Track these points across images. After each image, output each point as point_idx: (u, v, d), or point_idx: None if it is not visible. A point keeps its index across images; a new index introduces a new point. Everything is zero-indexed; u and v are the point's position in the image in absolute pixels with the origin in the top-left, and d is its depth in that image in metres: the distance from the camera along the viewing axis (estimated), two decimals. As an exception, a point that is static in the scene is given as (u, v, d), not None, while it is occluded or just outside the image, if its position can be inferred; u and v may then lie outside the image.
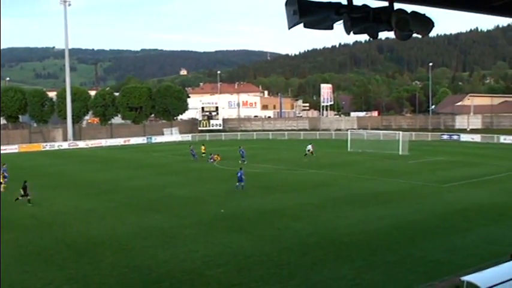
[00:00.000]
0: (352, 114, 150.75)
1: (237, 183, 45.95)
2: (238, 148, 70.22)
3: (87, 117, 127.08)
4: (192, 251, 27.53)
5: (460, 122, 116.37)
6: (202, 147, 71.88)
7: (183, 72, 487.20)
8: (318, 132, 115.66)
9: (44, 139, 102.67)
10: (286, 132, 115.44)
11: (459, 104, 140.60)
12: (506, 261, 19.21)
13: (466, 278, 16.92)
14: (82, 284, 22.78)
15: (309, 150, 72.86)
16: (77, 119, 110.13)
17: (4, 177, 50.01)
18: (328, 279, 23.22)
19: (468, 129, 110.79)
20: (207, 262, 25.63)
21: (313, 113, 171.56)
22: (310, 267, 24.85)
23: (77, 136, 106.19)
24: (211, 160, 66.35)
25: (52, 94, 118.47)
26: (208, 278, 23.42)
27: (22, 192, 40.99)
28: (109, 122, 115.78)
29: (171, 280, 23.22)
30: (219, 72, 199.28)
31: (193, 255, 26.81)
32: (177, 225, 33.27)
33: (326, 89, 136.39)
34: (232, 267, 24.94)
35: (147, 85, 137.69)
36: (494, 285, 13.78)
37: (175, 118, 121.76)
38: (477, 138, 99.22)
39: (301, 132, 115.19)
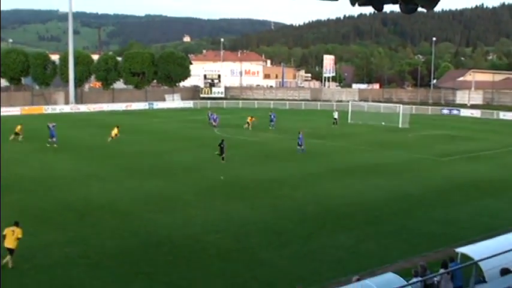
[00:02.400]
0: (354, 86, 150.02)
1: (298, 147, 48.39)
2: (268, 113, 72.53)
3: (89, 82, 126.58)
4: (191, 216, 27.73)
5: (461, 97, 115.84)
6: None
7: (187, 39, 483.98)
8: (319, 102, 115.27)
9: (46, 102, 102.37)
10: (287, 102, 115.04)
11: (461, 79, 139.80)
12: (500, 235, 19.34)
13: (460, 249, 17.05)
14: (82, 247, 23.01)
15: (335, 119, 73.90)
16: (79, 82, 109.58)
17: (52, 136, 51.48)
18: (325, 247, 23.44)
19: (468, 105, 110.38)
20: (205, 228, 25.84)
21: (315, 84, 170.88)
22: (308, 235, 25.06)
23: (79, 100, 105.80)
24: (246, 126, 66.83)
25: (55, 57, 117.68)
26: (206, 244, 23.63)
27: (219, 151, 43.64)
28: (111, 86, 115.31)
29: (170, 245, 23.43)
30: (222, 40, 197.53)
31: (193, 221, 27.01)
32: (177, 191, 33.44)
33: (329, 60, 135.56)
34: (231, 233, 25.16)
35: (150, 51, 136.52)
36: (488, 257, 13.88)
37: (177, 85, 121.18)
38: (477, 113, 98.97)
39: (303, 103, 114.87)
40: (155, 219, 27.28)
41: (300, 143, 48.81)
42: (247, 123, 67.79)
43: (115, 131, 55.24)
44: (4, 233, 20.93)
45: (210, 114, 72.00)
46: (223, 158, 43.03)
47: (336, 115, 75.47)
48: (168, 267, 20.90)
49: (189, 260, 21.68)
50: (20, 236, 20.88)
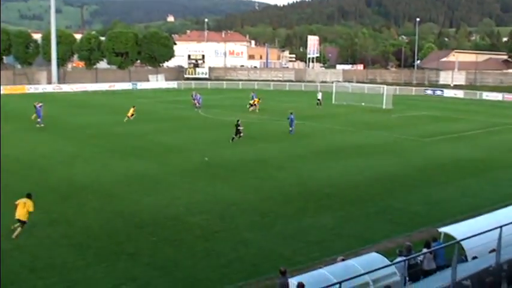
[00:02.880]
0: (338, 66, 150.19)
1: (290, 128, 48.52)
2: (250, 94, 72.32)
3: (72, 61, 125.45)
4: (176, 197, 27.67)
5: (444, 77, 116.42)
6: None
7: (170, 18, 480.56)
8: (303, 83, 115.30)
9: (28, 81, 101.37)
10: (271, 83, 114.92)
11: (444, 59, 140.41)
12: (482, 215, 19.50)
13: (443, 229, 17.18)
14: (65, 228, 22.88)
15: (319, 100, 73.96)
16: (61, 62, 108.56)
17: (39, 116, 51.25)
18: (309, 227, 23.50)
19: (452, 85, 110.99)
20: (190, 209, 25.80)
21: (299, 65, 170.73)
22: (292, 216, 25.12)
23: (62, 79, 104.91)
24: (252, 107, 66.16)
25: (37, 36, 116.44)
26: (191, 225, 23.60)
27: (235, 134, 43.64)
28: (94, 66, 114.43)
29: (154, 226, 23.38)
30: (206, 20, 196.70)
31: (177, 201, 26.95)
32: (161, 172, 33.33)
33: (313, 41, 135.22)
34: (215, 214, 25.14)
35: (133, 30, 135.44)
36: (470, 237, 13.99)
37: (161, 65, 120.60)
38: (460, 94, 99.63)
39: (287, 83, 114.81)
40: (139, 200, 27.19)
41: (291, 124, 48.80)
42: (254, 105, 66.48)
43: (131, 111, 56.02)
44: (16, 202, 21.52)
45: (194, 95, 71.66)
46: (233, 139, 43.49)
47: (319, 96, 75.56)
48: (152, 248, 20.85)
49: (173, 241, 21.64)
50: (30, 209, 21.39)
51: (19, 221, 21.21)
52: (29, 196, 21.75)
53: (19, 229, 21.17)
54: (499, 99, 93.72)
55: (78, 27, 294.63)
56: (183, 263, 19.67)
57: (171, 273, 18.82)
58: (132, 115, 55.44)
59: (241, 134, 43.71)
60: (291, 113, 49.56)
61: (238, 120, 44.63)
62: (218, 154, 39.12)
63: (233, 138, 43.43)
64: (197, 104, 68.33)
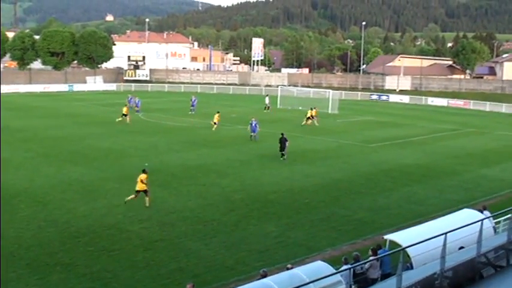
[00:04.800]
0: (283, 70, 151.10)
1: (252, 134, 47.93)
2: (190, 98, 71.04)
3: (4, 61, 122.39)
4: (114, 205, 27.29)
5: (390, 82, 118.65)
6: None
7: (109, 18, 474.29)
8: (247, 87, 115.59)
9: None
10: (215, 86, 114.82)
11: (390, 64, 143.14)
12: (427, 221, 19.91)
13: (389, 236, 17.45)
14: (-5, 237, 22.24)
15: (267, 104, 74.19)
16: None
17: None
18: (253, 236, 23.54)
19: (397, 90, 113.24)
20: (128, 217, 25.50)
21: (244, 68, 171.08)
22: (235, 224, 25.11)
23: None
24: (310, 120, 60.16)
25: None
26: (129, 234, 23.31)
27: (282, 150, 40.37)
28: (28, 66, 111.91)
29: (90, 235, 22.99)
30: (147, 20, 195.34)
31: (115, 209, 26.59)
32: (98, 179, 32.84)
33: (257, 44, 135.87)
34: (155, 222, 24.92)
35: (70, 29, 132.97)
36: (416, 244, 14.26)
37: (99, 66, 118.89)
38: (406, 99, 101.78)
39: (231, 87, 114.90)
40: (75, 208, 26.70)
41: (253, 130, 48.45)
42: (311, 118, 60.59)
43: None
44: (137, 180, 27.26)
45: (129, 99, 70.79)
46: (282, 154, 39.97)
47: (267, 100, 75.74)
48: (89, 259, 20.50)
49: (111, 251, 21.33)
50: (142, 178, 27.19)
51: (142, 191, 27.14)
52: (143, 171, 27.70)
53: (147, 198, 27.17)
54: (443, 104, 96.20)
55: (10, 25, 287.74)
56: (122, 274, 19.40)
57: (108, 284, 18.55)
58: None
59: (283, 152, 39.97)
60: (253, 119, 49.34)
61: (283, 134, 40.91)
62: (158, 159, 38.80)
63: (283, 154, 39.89)
64: (135, 108, 67.53)
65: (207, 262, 20.66)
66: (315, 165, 38.62)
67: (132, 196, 26.99)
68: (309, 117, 59.98)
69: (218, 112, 55.80)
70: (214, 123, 54.02)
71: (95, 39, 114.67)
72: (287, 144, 39.63)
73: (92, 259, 20.50)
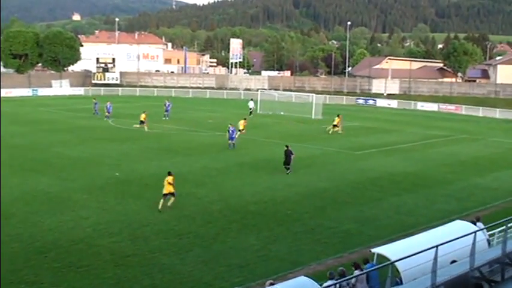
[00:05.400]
0: (263, 73, 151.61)
1: (229, 141, 47.82)
2: (164, 102, 70.89)
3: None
4: (82, 218, 27.15)
5: (377, 86, 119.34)
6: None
7: (76, 17, 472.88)
8: (225, 91, 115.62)
9: None
10: (190, 90, 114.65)
11: (377, 67, 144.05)
12: (417, 233, 20.07)
13: (377, 250, 17.54)
14: (-47, 253, 22.02)
15: (251, 109, 74.34)
16: None
17: None
18: (232, 249, 23.54)
19: (385, 94, 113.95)
20: (98, 230, 25.38)
21: (221, 70, 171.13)
22: (213, 237, 25.09)
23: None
24: (336, 128, 59.96)
25: None
26: (99, 248, 23.20)
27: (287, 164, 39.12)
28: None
29: (57, 250, 22.85)
30: (117, 19, 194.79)
31: (83, 222, 26.45)
32: (66, 189, 32.65)
33: (236, 44, 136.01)
34: (127, 236, 24.82)
35: (34, 30, 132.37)
36: (405, 257, 14.34)
37: (65, 69, 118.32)
38: (394, 104, 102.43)
39: (207, 91, 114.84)
40: (40, 221, 26.50)
41: (230, 137, 48.30)
42: (337, 125, 60.51)
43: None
44: (164, 183, 28.96)
45: (95, 104, 70.42)
46: (287, 168, 38.72)
47: (251, 105, 75.81)
48: (56, 276, 20.37)
49: (79, 267, 21.21)
50: (170, 181, 28.92)
51: (170, 194, 28.96)
52: (169, 173, 29.36)
53: (172, 199, 28.98)
54: (434, 109, 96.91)
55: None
56: (91, 291, 19.30)
57: (76, 303, 18.42)
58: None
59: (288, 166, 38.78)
60: (230, 125, 49.24)
61: (287, 146, 39.89)
62: (130, 168, 38.68)
63: (287, 168, 38.68)
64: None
65: (182, 278, 20.63)
66: (298, 174, 38.69)
67: (162, 201, 28.57)
68: (335, 125, 60.19)
69: (245, 119, 55.58)
70: (240, 130, 53.00)
71: (61, 40, 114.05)
72: (292, 157, 38.84)
73: (58, 276, 20.37)
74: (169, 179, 29.02)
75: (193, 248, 23.60)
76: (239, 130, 52.62)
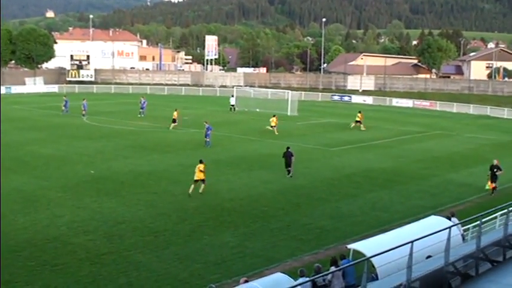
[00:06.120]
0: (239, 69, 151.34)
1: (207, 140, 47.69)
2: (139, 99, 70.94)
3: None
4: (57, 216, 26.96)
5: (352, 82, 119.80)
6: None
7: (50, 14, 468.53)
8: (201, 88, 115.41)
9: None
10: (166, 87, 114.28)
11: (352, 63, 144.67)
12: (392, 229, 20.20)
13: (352, 246, 17.62)
14: None
15: (232, 105, 75.34)
16: None
17: None
18: (208, 247, 23.52)
19: (360, 91, 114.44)
20: (73, 229, 25.22)
21: (196, 67, 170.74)
22: (189, 234, 25.05)
23: None
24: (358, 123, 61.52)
25: None
26: (74, 246, 23.06)
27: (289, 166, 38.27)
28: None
29: (31, 249, 22.67)
30: (91, 16, 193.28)
31: (58, 221, 26.27)
32: (40, 188, 32.40)
33: (211, 41, 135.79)
34: (102, 234, 24.69)
35: (6, 26, 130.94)
36: (381, 253, 14.41)
37: (39, 66, 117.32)
38: (369, 100, 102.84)
39: (183, 88, 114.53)
40: (14, 219, 26.27)
41: (206, 134, 48.14)
42: (359, 121, 62.07)
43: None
44: (195, 170, 31.49)
45: (65, 101, 69.83)
46: (289, 171, 37.52)
47: (232, 101, 76.01)
48: (30, 275, 20.21)
49: (54, 266, 21.06)
50: (201, 168, 31.41)
51: (200, 180, 31.40)
52: (200, 161, 31.89)
53: (202, 185, 31.34)
54: (409, 105, 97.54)
55: None
56: (66, 290, 19.18)
57: (51, 302, 18.30)
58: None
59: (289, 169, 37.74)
60: (205, 122, 49.03)
61: (288, 148, 38.71)
62: (105, 166, 38.48)
63: (289, 171, 37.48)
64: (66, 111, 66.94)
65: (158, 276, 20.57)
66: (274, 171, 38.72)
67: (192, 186, 30.99)
68: (358, 121, 61.65)
69: (274, 115, 57.00)
70: (272, 126, 55.60)
71: (34, 37, 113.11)
72: (293, 159, 38.00)
73: (33, 275, 20.21)
74: (201, 166, 31.37)
75: (169, 246, 23.54)
76: (271, 126, 55.11)
